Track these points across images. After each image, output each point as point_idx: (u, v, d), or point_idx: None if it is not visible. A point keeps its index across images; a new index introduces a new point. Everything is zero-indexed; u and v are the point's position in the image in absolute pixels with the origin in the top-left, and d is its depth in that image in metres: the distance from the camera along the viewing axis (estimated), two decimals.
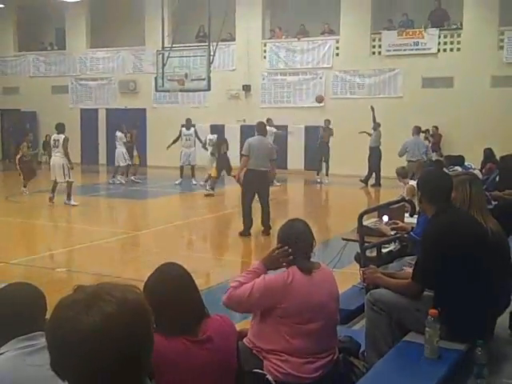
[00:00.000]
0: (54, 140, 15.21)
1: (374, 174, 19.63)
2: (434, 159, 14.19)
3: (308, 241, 3.74)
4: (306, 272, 3.65)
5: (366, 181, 19.66)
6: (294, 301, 3.56)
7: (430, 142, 19.28)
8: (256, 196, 11.42)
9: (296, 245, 3.69)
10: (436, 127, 19.77)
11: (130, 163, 19.91)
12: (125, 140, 19.82)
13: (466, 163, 11.41)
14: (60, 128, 15.42)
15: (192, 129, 19.47)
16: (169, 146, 19.16)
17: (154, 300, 2.72)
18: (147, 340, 1.53)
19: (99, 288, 1.51)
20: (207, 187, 17.30)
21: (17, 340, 2.46)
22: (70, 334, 1.44)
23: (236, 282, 3.71)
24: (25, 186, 16.83)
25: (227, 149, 17.76)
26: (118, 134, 19.84)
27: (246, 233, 11.35)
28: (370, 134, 19.50)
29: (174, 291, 2.81)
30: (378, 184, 19.53)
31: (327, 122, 20.13)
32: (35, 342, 2.43)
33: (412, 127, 17.23)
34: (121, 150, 19.56)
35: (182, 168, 19.43)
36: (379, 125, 19.63)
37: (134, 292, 1.54)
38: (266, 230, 11.46)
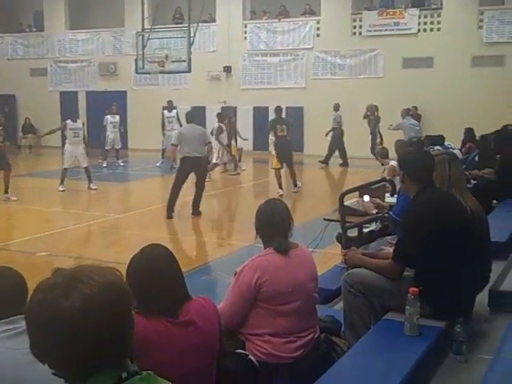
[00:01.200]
0: (73, 129, 14.96)
1: (339, 154, 20.02)
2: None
3: (286, 221, 3.74)
4: (282, 253, 3.66)
5: (326, 161, 19.96)
6: (271, 284, 3.57)
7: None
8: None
9: (274, 224, 3.71)
10: (415, 107, 19.80)
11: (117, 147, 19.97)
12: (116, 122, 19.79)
13: (445, 143, 11.46)
14: (76, 115, 15.97)
15: (174, 111, 19.37)
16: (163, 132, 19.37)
17: (137, 280, 2.72)
18: (127, 322, 1.53)
19: (78, 270, 1.51)
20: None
21: (1, 322, 2.44)
22: (49, 317, 1.44)
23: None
24: (6, 191, 13.70)
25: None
26: (108, 117, 19.70)
27: (169, 214, 11.70)
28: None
29: (156, 271, 2.81)
30: (345, 164, 19.83)
31: (373, 107, 19.14)
32: (15, 326, 2.41)
33: (401, 109, 17.13)
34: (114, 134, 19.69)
35: (163, 150, 19.32)
36: (339, 106, 20.03)
37: (114, 274, 1.53)
38: (195, 211, 11.94)
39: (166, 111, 19.43)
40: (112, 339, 1.47)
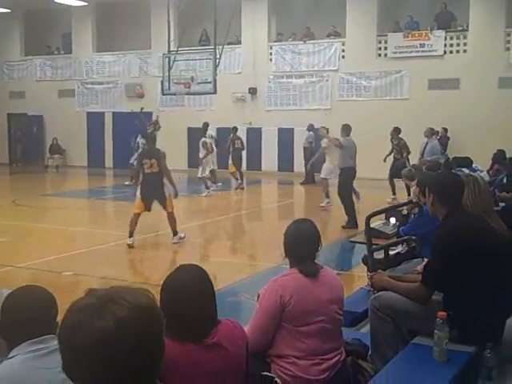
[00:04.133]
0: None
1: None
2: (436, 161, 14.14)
3: (315, 241, 3.72)
4: (309, 275, 3.64)
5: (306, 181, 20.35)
6: (294, 303, 3.56)
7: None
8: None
9: (302, 245, 3.68)
10: (445, 129, 19.66)
11: None
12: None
13: (473, 165, 11.37)
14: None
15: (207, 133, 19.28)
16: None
17: (170, 300, 2.71)
18: (158, 344, 1.53)
19: (111, 291, 1.51)
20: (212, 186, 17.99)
21: (28, 343, 2.46)
22: (82, 337, 1.44)
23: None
24: None
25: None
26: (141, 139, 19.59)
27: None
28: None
29: (192, 296, 2.77)
30: (306, 182, 20.27)
31: (397, 130, 17.41)
32: (46, 345, 2.44)
33: (425, 128, 16.93)
34: None
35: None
36: (313, 126, 20.49)
37: (146, 296, 1.53)
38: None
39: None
40: (143, 361, 1.47)
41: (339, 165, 13.19)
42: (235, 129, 19.99)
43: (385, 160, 16.99)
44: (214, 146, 18.77)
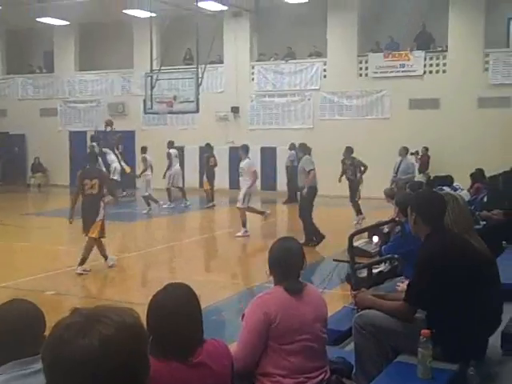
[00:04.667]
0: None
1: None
2: (419, 180, 14.28)
3: (299, 260, 3.75)
4: (293, 293, 3.66)
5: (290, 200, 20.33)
6: (280, 322, 3.57)
7: (417, 162, 19.39)
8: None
9: (287, 263, 3.71)
10: (426, 148, 19.85)
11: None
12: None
13: (454, 184, 11.48)
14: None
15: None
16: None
17: (157, 321, 2.71)
18: (143, 363, 1.53)
19: (96, 311, 1.51)
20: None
21: (13, 363, 2.41)
22: (65, 355, 1.43)
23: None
24: None
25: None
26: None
27: None
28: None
29: (179, 315, 2.78)
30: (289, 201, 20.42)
31: (349, 149, 16.88)
32: (32, 366, 2.38)
33: (399, 148, 17.22)
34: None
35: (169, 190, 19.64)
36: (294, 145, 20.10)
37: (132, 315, 1.53)
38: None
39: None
40: (128, 380, 1.47)
41: (302, 184, 12.96)
42: (209, 146, 20.13)
43: (339, 180, 16.96)
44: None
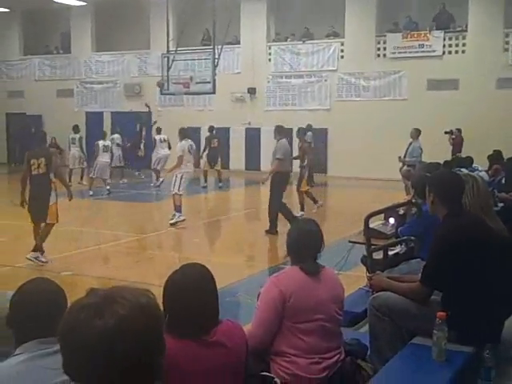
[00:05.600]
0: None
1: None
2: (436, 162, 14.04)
3: (318, 241, 3.75)
4: (309, 274, 3.65)
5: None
6: (294, 299, 3.57)
7: (451, 143, 18.96)
8: None
9: (305, 244, 3.70)
10: (459, 129, 19.23)
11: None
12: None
13: (473, 165, 11.38)
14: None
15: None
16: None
17: (173, 300, 2.72)
18: (159, 343, 1.53)
19: (112, 291, 1.52)
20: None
21: (36, 342, 2.42)
22: (82, 336, 1.44)
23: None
24: None
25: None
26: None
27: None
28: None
29: (194, 293, 2.80)
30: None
31: (303, 130, 16.18)
32: (53, 346, 2.36)
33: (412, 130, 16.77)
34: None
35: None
36: (311, 126, 20.23)
37: (147, 296, 1.54)
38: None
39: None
40: (143, 359, 1.47)
41: (274, 169, 12.12)
42: (211, 128, 20.13)
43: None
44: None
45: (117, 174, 20.04)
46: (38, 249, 9.64)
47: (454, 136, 18.92)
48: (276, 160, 12.13)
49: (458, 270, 3.78)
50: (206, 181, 19.70)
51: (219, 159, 19.87)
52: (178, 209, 13.16)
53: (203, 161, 19.61)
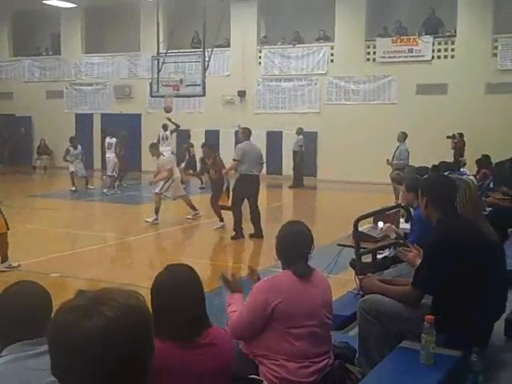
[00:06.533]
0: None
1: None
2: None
3: (308, 243, 3.74)
4: (301, 277, 3.65)
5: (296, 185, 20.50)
6: (285, 305, 3.57)
7: (453, 147, 18.96)
8: None
9: (296, 247, 3.69)
10: (460, 134, 19.19)
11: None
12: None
13: (461, 169, 11.43)
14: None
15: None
16: None
17: (162, 303, 2.71)
18: (148, 345, 1.53)
19: (101, 293, 1.51)
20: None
21: (21, 344, 2.42)
22: (70, 337, 1.43)
23: (230, 312, 3.78)
24: None
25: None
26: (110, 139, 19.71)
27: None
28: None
29: (183, 296, 2.79)
30: (295, 186, 20.55)
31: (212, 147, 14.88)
32: (39, 347, 2.39)
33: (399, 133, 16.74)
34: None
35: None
36: (301, 130, 20.73)
37: (136, 297, 1.54)
38: None
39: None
40: (132, 362, 1.47)
41: (239, 171, 11.78)
42: (188, 135, 20.42)
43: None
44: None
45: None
46: (4, 259, 9.45)
47: (455, 140, 18.97)
48: (234, 161, 11.90)
49: (450, 274, 3.78)
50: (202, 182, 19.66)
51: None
52: (156, 210, 13.38)
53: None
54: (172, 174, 13.51)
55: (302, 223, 3.95)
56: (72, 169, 18.98)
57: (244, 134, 12.14)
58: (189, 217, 13.89)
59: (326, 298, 3.78)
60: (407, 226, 6.33)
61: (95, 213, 16.52)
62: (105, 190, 18.63)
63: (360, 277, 4.57)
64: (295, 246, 3.70)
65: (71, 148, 19.41)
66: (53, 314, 1.54)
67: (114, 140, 19.16)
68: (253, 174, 11.74)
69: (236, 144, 23.20)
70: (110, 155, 19.07)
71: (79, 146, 19.50)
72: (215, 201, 12.92)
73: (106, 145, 19.45)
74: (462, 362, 3.74)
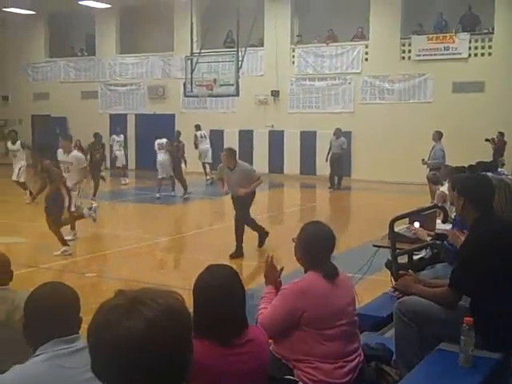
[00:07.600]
0: None
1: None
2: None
3: (331, 244, 3.70)
4: (330, 278, 3.63)
5: (333, 185, 20.10)
6: (315, 307, 3.55)
7: (493, 148, 18.71)
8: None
9: (319, 247, 3.66)
10: (501, 133, 19.00)
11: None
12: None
13: (498, 169, 11.24)
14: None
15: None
16: None
17: (202, 302, 2.71)
18: (187, 346, 1.53)
19: (140, 293, 1.52)
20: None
21: (53, 342, 2.46)
22: (111, 336, 1.44)
23: (261, 310, 3.76)
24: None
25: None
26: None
27: None
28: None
29: (224, 297, 2.78)
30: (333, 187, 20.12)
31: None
32: (72, 345, 2.44)
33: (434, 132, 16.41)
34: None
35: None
36: (340, 130, 20.15)
37: (176, 298, 1.54)
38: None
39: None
40: (171, 362, 1.47)
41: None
42: (179, 134, 18.98)
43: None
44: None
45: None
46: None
47: (495, 142, 18.68)
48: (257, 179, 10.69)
49: (488, 274, 3.72)
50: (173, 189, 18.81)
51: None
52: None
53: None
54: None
55: (323, 223, 3.91)
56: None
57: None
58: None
59: (351, 296, 3.78)
60: (444, 226, 6.22)
61: (131, 213, 16.59)
62: (159, 194, 17.57)
63: (401, 272, 4.51)
64: (322, 246, 3.66)
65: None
66: (88, 314, 1.54)
67: (163, 140, 17.98)
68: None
69: (270, 143, 23.32)
70: (164, 156, 17.72)
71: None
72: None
73: (157, 146, 17.95)
74: (501, 365, 3.67)
